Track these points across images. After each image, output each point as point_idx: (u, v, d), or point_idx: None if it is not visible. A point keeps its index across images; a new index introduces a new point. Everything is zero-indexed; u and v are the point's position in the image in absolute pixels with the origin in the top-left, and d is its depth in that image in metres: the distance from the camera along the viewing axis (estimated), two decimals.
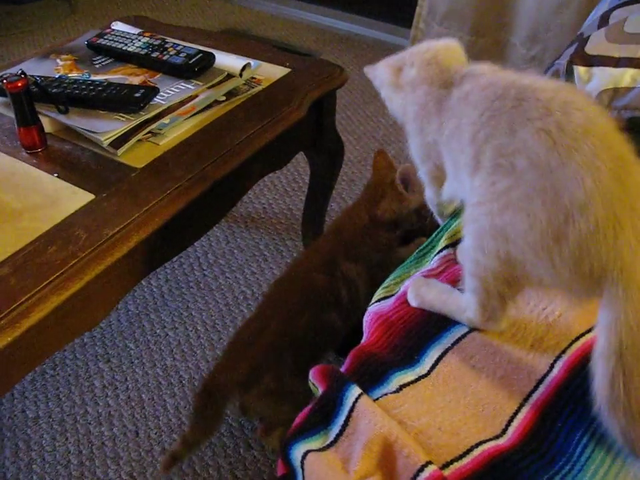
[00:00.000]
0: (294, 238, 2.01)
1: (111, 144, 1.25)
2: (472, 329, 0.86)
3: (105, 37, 1.55)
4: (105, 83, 1.36)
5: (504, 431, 0.75)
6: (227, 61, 1.49)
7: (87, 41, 1.56)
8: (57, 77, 1.43)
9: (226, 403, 1.28)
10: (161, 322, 1.73)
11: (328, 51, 3.11)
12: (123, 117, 1.30)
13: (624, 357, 0.66)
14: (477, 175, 0.77)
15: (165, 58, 1.45)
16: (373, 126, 2.59)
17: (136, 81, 1.42)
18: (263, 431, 1.40)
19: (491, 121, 0.76)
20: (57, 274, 1.01)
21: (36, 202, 1.15)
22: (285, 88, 1.50)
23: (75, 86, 1.35)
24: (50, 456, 1.42)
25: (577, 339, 0.84)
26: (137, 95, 1.32)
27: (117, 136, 1.26)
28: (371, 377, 0.81)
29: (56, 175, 1.21)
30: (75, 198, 1.16)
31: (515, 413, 0.77)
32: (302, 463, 0.72)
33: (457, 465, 0.72)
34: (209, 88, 1.41)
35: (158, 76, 1.45)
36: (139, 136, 1.28)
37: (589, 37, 1.13)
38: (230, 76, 1.46)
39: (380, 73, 1.01)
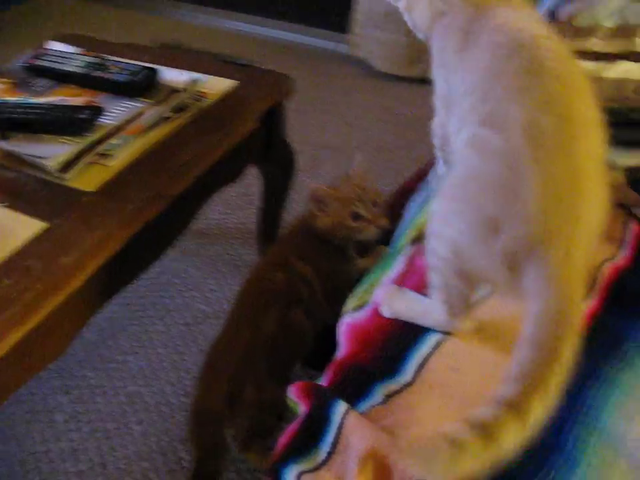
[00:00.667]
0: (250, 252, 1.98)
1: (58, 168, 1.20)
2: (450, 332, 0.86)
3: (42, 58, 1.49)
4: (48, 106, 1.31)
5: None
6: (172, 75, 1.46)
7: (24, 63, 1.50)
8: None
9: (221, 425, 1.24)
10: (119, 348, 1.67)
11: (267, 61, 3.06)
12: (68, 139, 1.25)
13: (542, 346, 0.67)
14: (459, 135, 0.79)
15: (107, 76, 1.41)
16: (319, 133, 2.59)
17: (79, 101, 1.38)
18: (241, 445, 1.37)
19: (493, 80, 0.77)
20: (14, 308, 0.96)
21: None
22: (234, 100, 1.47)
23: (16, 110, 1.30)
24: None
25: None
26: (82, 116, 1.28)
27: (64, 160, 1.21)
28: (355, 389, 0.79)
29: (5, 204, 1.16)
30: (27, 227, 1.11)
31: None
32: None
33: None
34: (155, 104, 1.38)
35: (101, 95, 1.40)
36: (88, 158, 1.23)
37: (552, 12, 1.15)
38: (176, 91, 1.42)
39: None
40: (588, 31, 1.08)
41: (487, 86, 0.78)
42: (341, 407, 0.74)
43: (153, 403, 1.53)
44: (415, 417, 0.75)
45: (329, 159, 2.42)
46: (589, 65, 1.03)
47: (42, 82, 1.47)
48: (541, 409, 0.62)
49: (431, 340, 0.85)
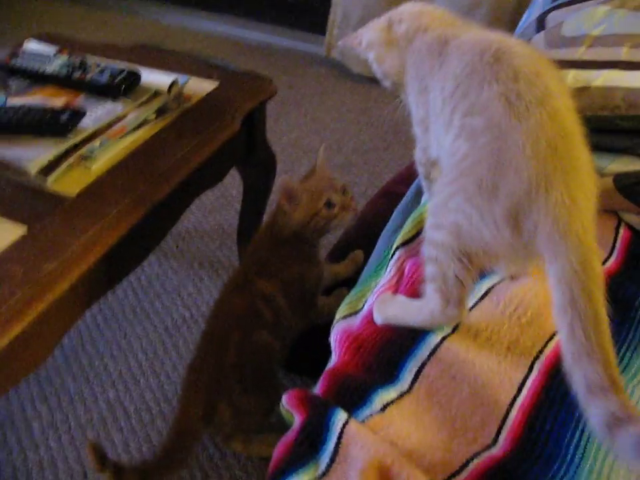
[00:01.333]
0: (228, 254, 1.96)
1: (39, 172, 1.17)
2: (445, 337, 0.85)
3: (19, 57, 1.45)
4: (26, 108, 1.27)
5: (495, 440, 0.74)
6: (153, 77, 1.44)
7: None
8: None
9: (198, 440, 1.30)
10: (98, 354, 1.64)
11: (241, 61, 3.07)
12: (49, 142, 1.22)
13: (577, 304, 0.68)
14: (447, 135, 0.83)
15: (87, 77, 1.38)
16: (296, 135, 2.57)
17: (58, 103, 1.34)
18: (224, 438, 1.36)
19: (468, 78, 0.81)
20: None
21: None
22: (215, 102, 1.45)
23: None
24: None
25: (551, 338, 0.84)
26: (63, 117, 1.24)
27: (44, 163, 1.18)
28: (352, 398, 0.78)
29: None
30: (6, 232, 1.07)
31: (503, 420, 0.76)
32: None
33: None
34: (137, 107, 1.35)
35: (81, 97, 1.37)
36: (69, 161, 1.20)
37: (528, 40, 1.15)
38: (158, 93, 1.40)
39: (368, 35, 1.06)
40: (575, 40, 1.09)
41: (464, 84, 0.82)
42: (340, 415, 0.73)
43: (133, 410, 1.51)
44: (413, 426, 0.74)
45: (305, 161, 2.41)
46: (577, 74, 1.04)
47: (18, 82, 1.43)
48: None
49: (426, 347, 0.84)
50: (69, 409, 1.51)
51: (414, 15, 0.99)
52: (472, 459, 0.71)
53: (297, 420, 0.77)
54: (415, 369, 0.82)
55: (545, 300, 0.88)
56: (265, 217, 1.77)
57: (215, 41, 3.29)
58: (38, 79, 1.42)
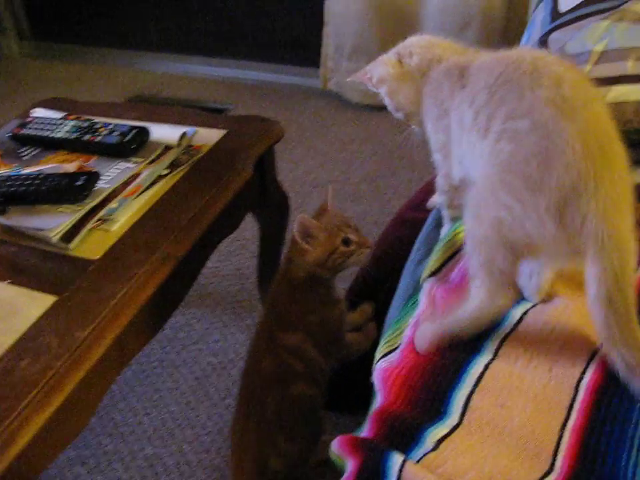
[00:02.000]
0: (249, 297, 1.96)
1: (60, 239, 1.18)
2: (488, 364, 0.85)
3: (28, 127, 1.48)
4: (42, 175, 1.29)
5: (552, 466, 0.73)
6: (162, 132, 1.46)
7: (9, 133, 1.48)
8: None
9: None
10: (131, 410, 1.64)
11: (241, 102, 3.10)
12: (67, 208, 1.23)
13: (613, 302, 0.76)
14: (485, 140, 0.85)
15: (98, 139, 1.40)
16: (302, 170, 2.59)
17: (71, 167, 1.36)
18: None
19: (505, 85, 0.84)
20: (36, 390, 0.93)
21: None
22: (225, 151, 1.47)
23: (10, 183, 1.27)
24: None
25: (592, 357, 0.84)
26: (79, 182, 1.26)
27: (65, 230, 1.19)
28: (404, 438, 0.77)
29: (8, 281, 1.13)
30: (35, 303, 1.08)
31: (557, 445, 0.75)
32: None
33: None
34: (150, 163, 1.37)
35: (93, 159, 1.39)
36: (89, 225, 1.21)
37: None
38: (168, 147, 1.42)
39: (378, 71, 1.09)
40: (581, 57, 1.10)
41: (500, 92, 0.85)
42: (395, 458, 0.72)
43: (173, 464, 1.50)
44: (470, 460, 0.74)
45: (314, 195, 2.42)
46: None
47: (29, 150, 1.45)
48: None
49: (470, 377, 0.84)
50: (108, 470, 1.50)
51: (425, 47, 1.03)
52: None
53: (351, 465, 0.76)
54: (462, 402, 0.81)
55: (581, 321, 0.88)
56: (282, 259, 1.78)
57: (211, 84, 3.32)
58: (49, 145, 1.45)
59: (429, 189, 1.37)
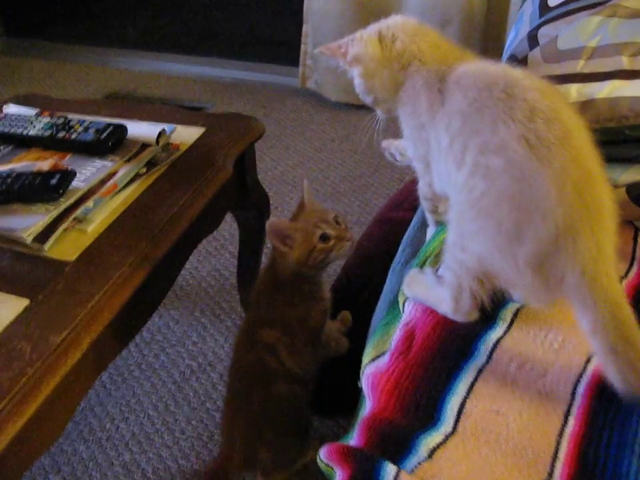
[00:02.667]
0: (228, 299, 1.93)
1: (34, 240, 1.14)
2: (481, 368, 0.83)
3: (0, 123, 1.42)
4: (14, 174, 1.24)
5: (550, 474, 0.71)
6: (139, 129, 1.41)
7: None
8: None
9: None
10: (108, 415, 1.59)
11: (219, 101, 3.06)
12: (41, 207, 1.19)
13: (617, 350, 0.72)
14: (460, 172, 0.81)
15: (73, 137, 1.35)
16: (281, 169, 2.56)
17: (45, 166, 1.31)
18: (264, 474, 1.33)
19: (478, 114, 0.80)
20: (8, 398, 0.89)
21: None
22: (204, 149, 1.43)
23: None
24: None
25: (588, 360, 0.82)
26: (53, 181, 1.21)
27: (39, 230, 1.15)
28: (396, 447, 0.74)
29: None
30: (7, 306, 1.04)
31: (555, 452, 0.73)
32: None
33: None
34: (127, 162, 1.32)
35: (68, 157, 1.34)
36: (64, 225, 1.17)
37: (525, 58, 1.14)
38: (145, 145, 1.37)
39: (355, 48, 1.00)
40: (573, 53, 1.08)
41: (473, 121, 0.81)
42: (388, 469, 0.70)
43: (151, 470, 1.46)
44: (464, 470, 0.71)
45: (294, 195, 2.39)
46: (580, 88, 1.03)
47: (2, 148, 1.40)
48: None
49: (463, 382, 0.82)
50: (84, 477, 1.46)
51: (410, 36, 0.97)
52: None
53: (340, 476, 0.73)
54: (456, 408, 0.78)
55: (574, 322, 0.86)
56: (264, 259, 1.75)
57: (188, 83, 3.27)
58: (22, 143, 1.39)
59: (410, 188, 1.34)
